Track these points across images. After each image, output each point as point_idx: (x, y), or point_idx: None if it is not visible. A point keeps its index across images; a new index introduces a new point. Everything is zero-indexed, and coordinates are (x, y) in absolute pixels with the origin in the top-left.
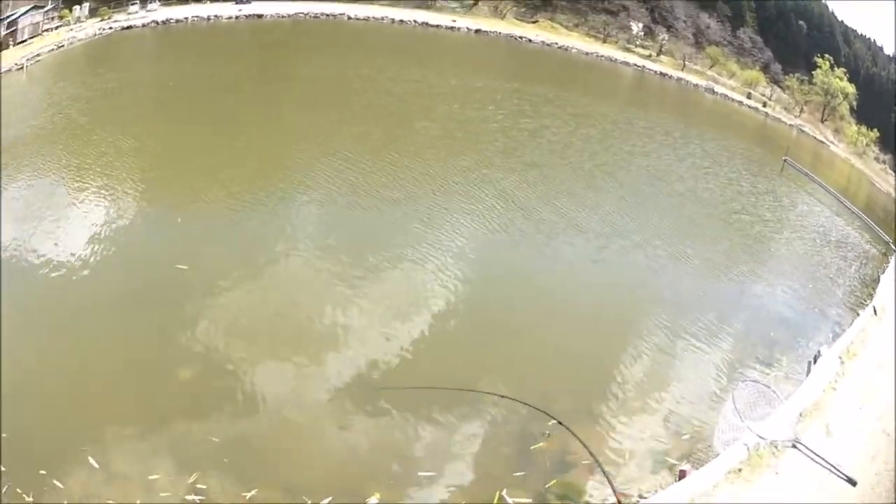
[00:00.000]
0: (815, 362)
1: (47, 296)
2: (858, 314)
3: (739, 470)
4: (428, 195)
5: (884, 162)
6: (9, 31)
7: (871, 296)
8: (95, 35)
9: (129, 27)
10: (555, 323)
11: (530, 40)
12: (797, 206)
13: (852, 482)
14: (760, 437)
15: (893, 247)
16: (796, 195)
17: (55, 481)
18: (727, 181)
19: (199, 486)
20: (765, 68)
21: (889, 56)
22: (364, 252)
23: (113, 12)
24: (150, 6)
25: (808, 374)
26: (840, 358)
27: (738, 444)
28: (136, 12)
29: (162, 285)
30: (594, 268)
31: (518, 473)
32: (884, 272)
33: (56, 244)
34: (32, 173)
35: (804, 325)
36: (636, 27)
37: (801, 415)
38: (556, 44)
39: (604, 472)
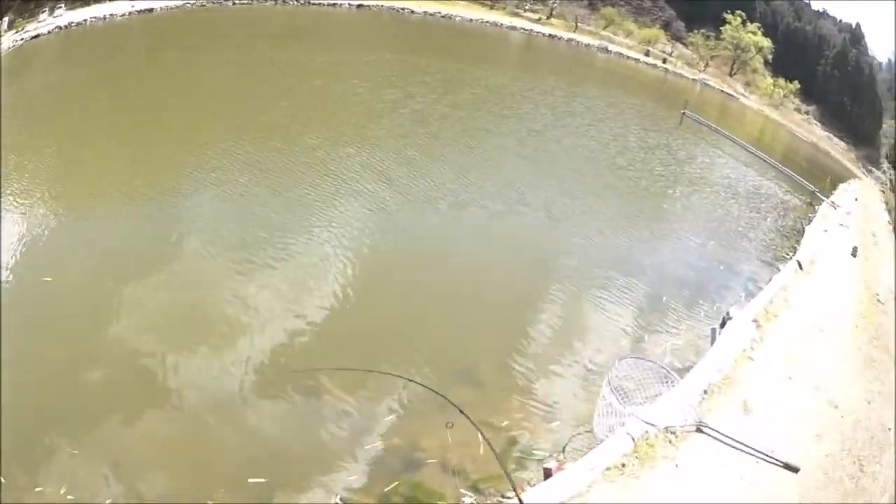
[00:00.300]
0: (721, 328)
1: None
2: (779, 269)
3: (623, 465)
4: (298, 177)
5: (807, 112)
6: None
7: (794, 249)
8: (10, 48)
9: (37, 36)
10: (453, 299)
11: (412, 11)
12: (696, 159)
13: (792, 468)
14: (649, 424)
15: (819, 195)
16: (695, 147)
17: None
18: (611, 137)
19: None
20: (665, 26)
21: (817, 11)
22: (257, 240)
23: (26, 23)
24: (56, 12)
25: (712, 343)
26: (756, 321)
27: (621, 432)
28: (45, 20)
29: (57, 288)
30: (483, 239)
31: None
32: (809, 223)
33: None
34: None
35: (707, 286)
36: None
37: (706, 392)
38: (440, 13)
39: (504, 468)
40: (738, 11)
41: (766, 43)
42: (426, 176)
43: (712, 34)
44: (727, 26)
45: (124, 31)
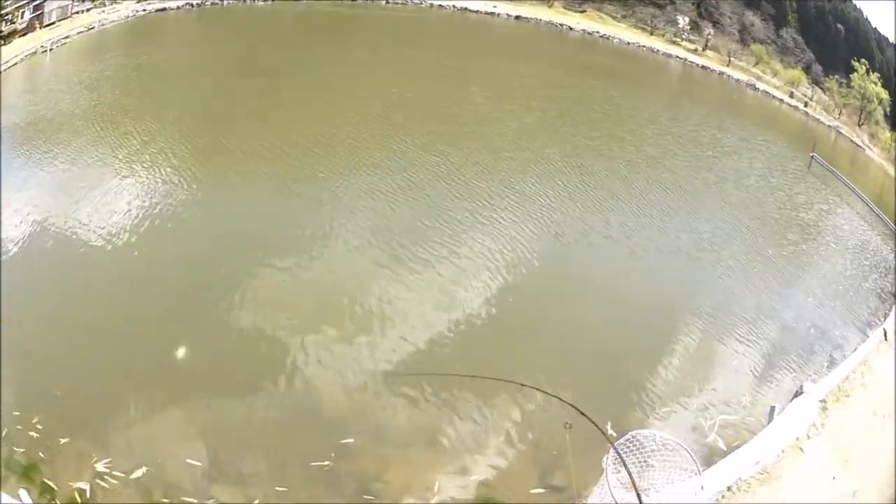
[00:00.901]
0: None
1: (84, 272)
2: (867, 336)
3: None
4: (473, 187)
5: None
6: (35, 14)
7: (886, 315)
8: (128, 17)
9: (164, 9)
10: (588, 320)
11: (571, 28)
12: (814, 205)
13: None
14: None
15: None
16: (816, 193)
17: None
18: (733, 172)
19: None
20: (806, 69)
21: None
22: (412, 239)
23: None
24: None
25: (768, 423)
26: (824, 401)
27: None
28: None
29: (203, 258)
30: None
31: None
32: None
33: (92, 220)
34: (62, 150)
35: (790, 350)
36: (682, 21)
37: (730, 489)
38: (598, 32)
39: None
40: (863, 60)
41: (885, 95)
42: (563, 199)
43: (844, 81)
44: (855, 74)
45: (272, 17)
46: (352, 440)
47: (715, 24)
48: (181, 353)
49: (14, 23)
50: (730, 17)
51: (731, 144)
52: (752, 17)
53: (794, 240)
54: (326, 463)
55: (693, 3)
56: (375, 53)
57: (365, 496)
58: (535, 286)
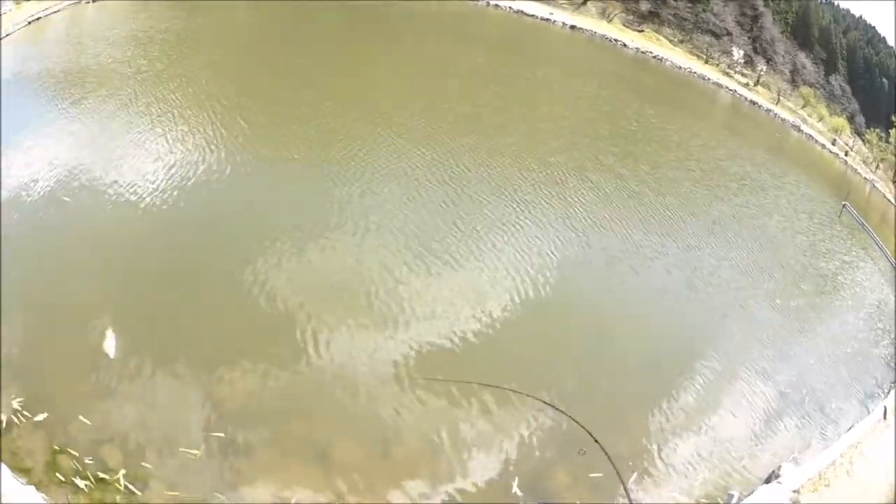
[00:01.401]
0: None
1: (112, 229)
2: (868, 411)
3: None
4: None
5: None
6: None
7: (890, 388)
8: None
9: None
10: (617, 345)
11: (625, 45)
12: (836, 256)
13: None
14: None
15: None
16: (841, 243)
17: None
18: (756, 208)
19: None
20: (850, 118)
21: None
22: (447, 236)
23: None
24: None
25: None
26: (797, 491)
27: None
28: None
29: (233, 231)
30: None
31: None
32: None
33: (126, 177)
34: (99, 104)
35: (778, 424)
36: (737, 53)
37: None
38: (651, 52)
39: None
40: None
41: None
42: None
43: (884, 135)
44: (894, 129)
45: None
46: (351, 434)
47: (768, 60)
48: (185, 318)
49: None
50: (783, 56)
51: (759, 179)
52: (803, 59)
53: (807, 290)
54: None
55: (749, 38)
56: (425, 47)
57: (353, 493)
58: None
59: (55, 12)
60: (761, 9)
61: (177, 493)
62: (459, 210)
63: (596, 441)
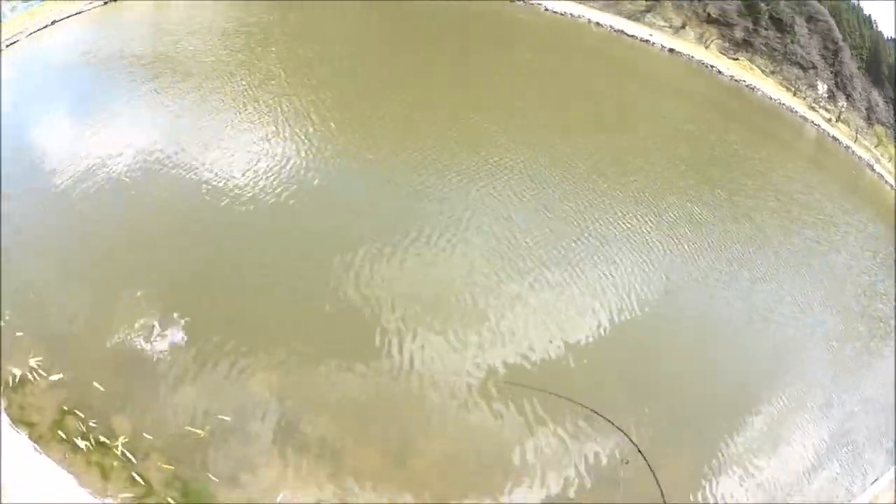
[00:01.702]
0: None
1: (207, 216)
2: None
3: None
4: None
5: None
6: None
7: None
8: None
9: None
10: (673, 370)
11: (720, 72)
12: (892, 298)
13: None
14: None
15: None
16: None
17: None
18: (814, 241)
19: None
20: None
21: None
22: (552, 253)
23: None
24: None
25: None
26: None
27: None
28: None
29: (333, 230)
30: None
31: None
32: None
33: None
34: (201, 89)
35: (811, 469)
36: (821, 87)
37: None
38: (745, 81)
39: None
40: None
41: None
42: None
43: None
44: None
45: (429, 12)
46: (425, 433)
47: (848, 97)
48: (279, 310)
49: None
50: (860, 93)
51: (832, 215)
52: (877, 97)
53: (863, 333)
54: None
55: (832, 72)
56: (527, 61)
57: (424, 494)
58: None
59: None
60: (840, 43)
61: (172, 468)
62: (544, 227)
63: (650, 469)
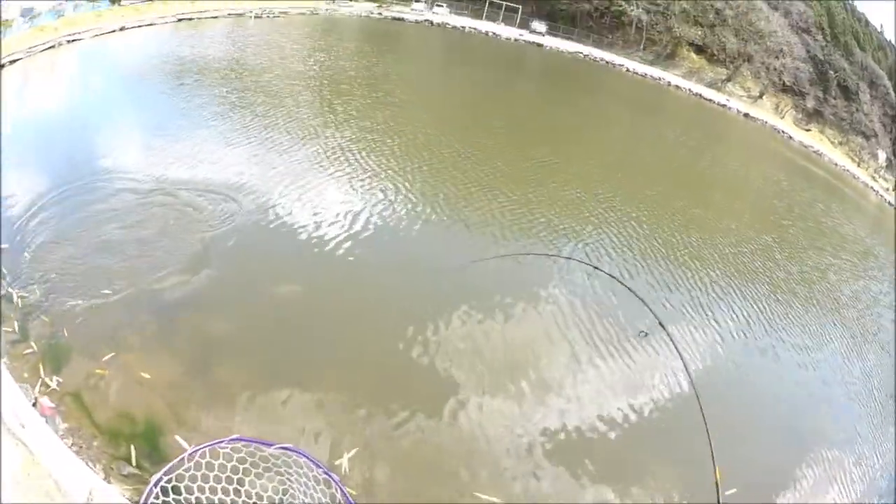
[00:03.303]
0: None
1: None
2: None
3: None
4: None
5: None
6: None
7: None
8: (361, 15)
9: (400, 19)
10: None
11: (791, 137)
12: None
13: None
14: None
15: None
16: None
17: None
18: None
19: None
20: None
21: None
22: (622, 329)
23: (393, 2)
24: (435, 8)
25: None
26: None
27: None
28: (419, 10)
29: (408, 277)
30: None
31: None
32: None
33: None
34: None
35: None
36: (882, 156)
37: None
38: (813, 147)
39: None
40: None
41: None
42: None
43: None
44: None
45: (505, 51)
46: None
47: None
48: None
49: None
50: None
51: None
52: None
53: None
54: None
55: (891, 139)
56: (613, 122)
57: None
58: None
59: (213, 17)
60: None
61: None
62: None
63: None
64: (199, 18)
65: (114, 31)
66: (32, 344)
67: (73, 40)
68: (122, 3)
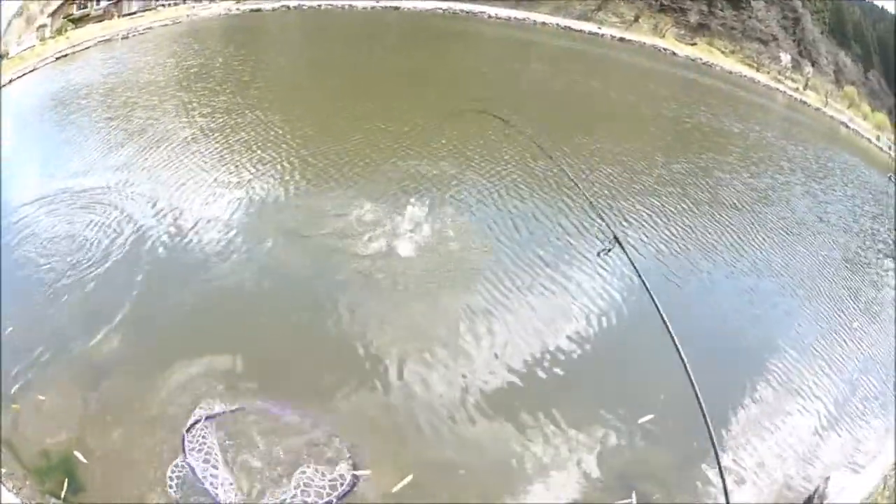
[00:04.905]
0: None
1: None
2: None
3: None
4: None
5: None
6: (112, 1)
7: None
8: (221, 15)
9: (258, 10)
10: None
11: (674, 53)
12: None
13: None
14: None
15: None
16: None
17: None
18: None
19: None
20: (889, 113)
21: None
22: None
23: None
24: None
25: None
26: None
27: None
28: None
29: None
30: None
31: None
32: None
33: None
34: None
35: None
36: (785, 58)
37: None
38: (701, 59)
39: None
40: None
41: None
42: None
43: None
44: None
45: (368, 22)
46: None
47: (813, 63)
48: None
49: (86, 8)
50: (826, 57)
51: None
52: (843, 58)
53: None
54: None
55: (793, 41)
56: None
57: None
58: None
59: (85, 48)
60: (800, 10)
61: None
62: None
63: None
64: (74, 52)
65: (3, 85)
66: None
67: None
68: (9, 56)
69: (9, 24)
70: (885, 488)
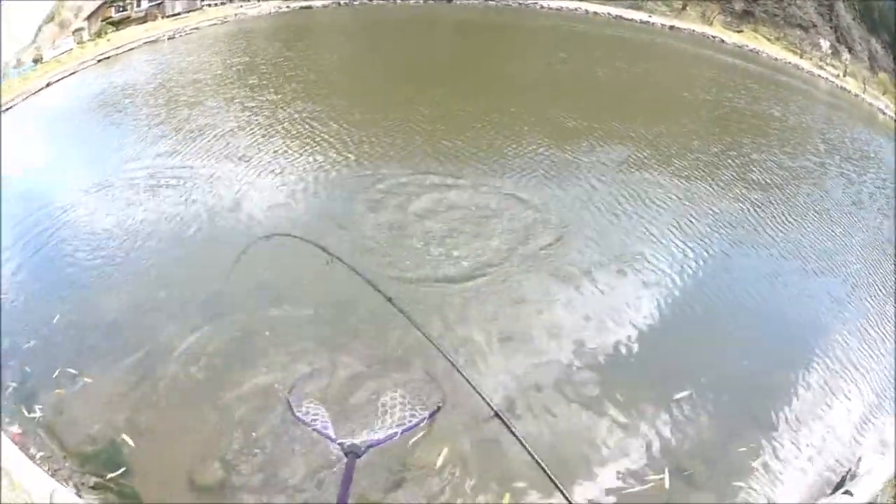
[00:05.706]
0: None
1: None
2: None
3: None
4: None
5: None
6: (154, 2)
7: None
8: (271, 13)
9: (308, 7)
10: None
11: (723, 40)
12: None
13: None
14: None
15: None
16: None
17: None
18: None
19: None
20: None
21: None
22: None
23: None
24: None
25: None
26: None
27: None
28: None
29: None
30: None
31: None
32: None
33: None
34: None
35: None
36: (825, 45)
37: None
38: (748, 46)
39: None
40: None
41: None
42: None
43: None
44: None
45: (422, 14)
46: None
47: (850, 49)
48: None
49: (125, 10)
50: (860, 44)
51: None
52: (875, 45)
53: None
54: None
55: (830, 27)
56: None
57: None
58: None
59: (129, 50)
60: None
61: None
62: None
63: None
64: (117, 54)
65: (40, 89)
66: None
67: (7, 109)
68: (44, 60)
69: (39, 29)
70: None
